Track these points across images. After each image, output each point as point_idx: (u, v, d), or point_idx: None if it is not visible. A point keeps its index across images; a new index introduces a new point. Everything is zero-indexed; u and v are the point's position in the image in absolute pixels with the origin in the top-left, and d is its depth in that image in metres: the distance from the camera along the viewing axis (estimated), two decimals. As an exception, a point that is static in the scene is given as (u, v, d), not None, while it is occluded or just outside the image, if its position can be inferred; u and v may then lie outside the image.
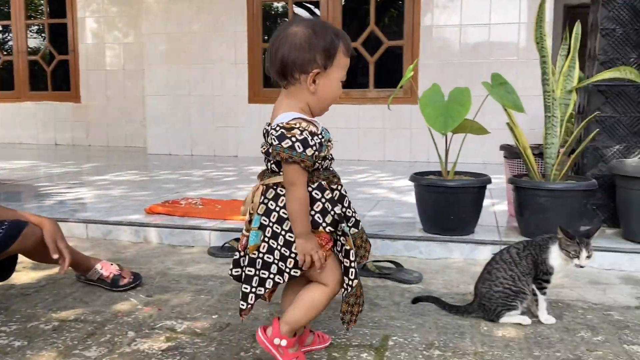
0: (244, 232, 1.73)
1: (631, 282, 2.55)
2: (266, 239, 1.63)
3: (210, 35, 7.04)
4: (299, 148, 1.52)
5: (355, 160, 6.60)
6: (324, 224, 1.62)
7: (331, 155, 1.66)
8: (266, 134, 1.63)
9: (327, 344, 1.91)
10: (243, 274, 1.70)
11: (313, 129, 1.57)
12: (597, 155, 3.14)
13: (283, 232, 1.62)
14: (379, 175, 5.26)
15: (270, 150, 1.59)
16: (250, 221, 1.68)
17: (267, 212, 1.64)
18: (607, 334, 2.01)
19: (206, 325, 2.11)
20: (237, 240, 2.98)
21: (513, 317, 2.06)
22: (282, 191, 1.62)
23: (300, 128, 1.54)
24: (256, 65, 6.97)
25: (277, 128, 1.55)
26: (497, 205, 3.76)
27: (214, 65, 7.06)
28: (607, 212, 3.12)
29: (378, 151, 6.59)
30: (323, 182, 1.63)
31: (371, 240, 2.97)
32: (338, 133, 6.51)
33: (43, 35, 8.73)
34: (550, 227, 2.65)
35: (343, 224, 1.65)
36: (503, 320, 2.05)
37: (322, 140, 1.59)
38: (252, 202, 1.68)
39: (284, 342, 1.70)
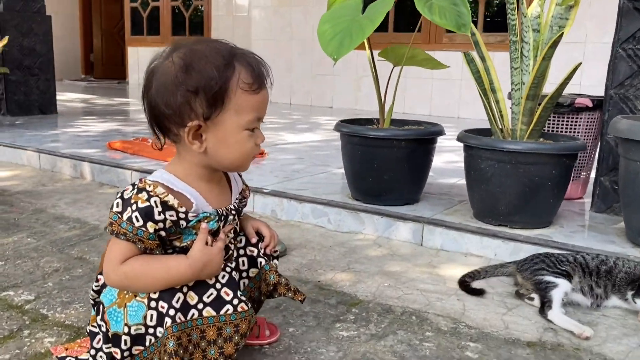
0: None
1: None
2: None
3: (310, -26, 6.54)
4: (137, 220, 1.05)
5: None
6: None
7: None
8: None
9: None
10: None
11: (171, 199, 1.07)
12: (625, 108, 2.06)
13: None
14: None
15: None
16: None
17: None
18: None
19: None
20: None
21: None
22: None
23: (152, 193, 1.06)
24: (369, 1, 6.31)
25: (127, 191, 1.08)
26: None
27: (314, 7, 6.56)
28: (630, 196, 2.05)
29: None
30: None
31: (277, 200, 2.37)
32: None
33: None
34: (496, 206, 1.80)
35: None
36: None
37: (187, 223, 1.10)
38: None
39: None
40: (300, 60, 6.79)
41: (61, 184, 2.91)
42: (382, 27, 6.26)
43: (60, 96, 6.49)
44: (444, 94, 5.88)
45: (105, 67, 11.02)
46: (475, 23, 5.79)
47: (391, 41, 6.04)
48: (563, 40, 1.81)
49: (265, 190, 2.36)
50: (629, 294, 1.51)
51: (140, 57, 9.30)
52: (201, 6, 8.78)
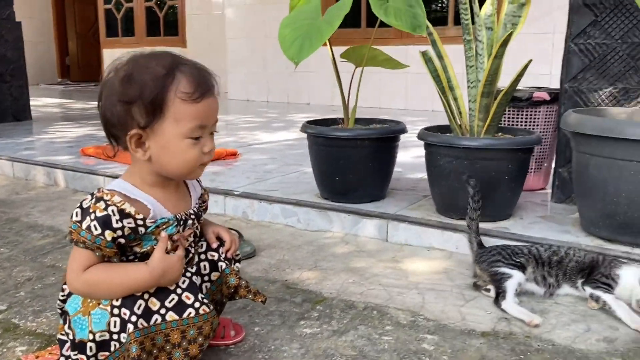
0: None
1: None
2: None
3: (284, -28, 6.56)
4: (96, 229, 1.09)
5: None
6: None
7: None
8: None
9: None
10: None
11: (128, 207, 1.12)
12: (579, 101, 2.13)
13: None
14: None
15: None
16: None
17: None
18: None
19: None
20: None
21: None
22: None
23: (109, 202, 1.11)
24: (330, 2, 6.35)
25: (86, 200, 1.13)
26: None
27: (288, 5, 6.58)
28: (586, 186, 2.12)
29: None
30: None
31: (247, 201, 2.42)
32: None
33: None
34: (456, 200, 1.86)
35: None
36: None
37: (145, 230, 1.14)
38: None
39: None
40: (275, 57, 6.81)
41: (35, 192, 2.92)
42: (355, 24, 6.32)
43: (36, 102, 6.47)
44: (418, 88, 5.94)
45: (82, 70, 10.96)
46: (446, 17, 5.86)
47: (364, 37, 6.11)
48: (532, 31, 1.88)
49: (235, 193, 2.41)
50: (579, 282, 1.58)
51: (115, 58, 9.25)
52: (175, 5, 8.76)
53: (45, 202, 2.73)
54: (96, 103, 1.18)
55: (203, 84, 1.12)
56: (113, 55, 9.22)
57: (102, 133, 1.20)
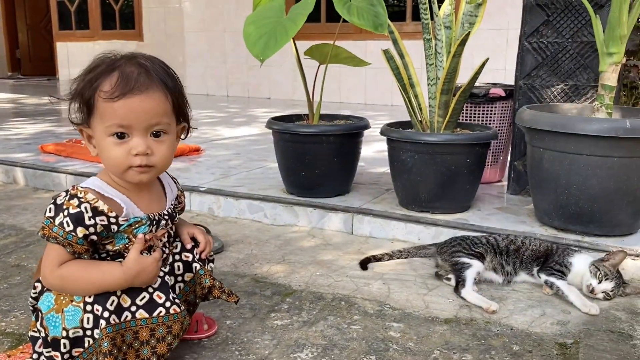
0: None
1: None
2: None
3: (243, -35, 6.54)
4: (68, 225, 1.12)
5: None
6: None
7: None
8: None
9: None
10: None
11: (101, 205, 1.14)
12: (533, 97, 2.23)
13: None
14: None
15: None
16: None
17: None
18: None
19: None
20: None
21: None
22: None
23: (83, 199, 1.13)
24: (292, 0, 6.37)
25: (60, 197, 1.15)
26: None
27: (246, -1, 6.58)
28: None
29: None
30: None
31: (213, 198, 2.45)
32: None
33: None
34: (418, 193, 1.93)
35: None
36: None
37: (118, 228, 1.17)
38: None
39: None
40: (235, 51, 6.80)
41: (-8, 190, 2.87)
42: (315, 18, 6.35)
43: (-13, 97, 6.28)
44: (377, 83, 6.03)
45: (33, 64, 10.65)
46: (404, 12, 5.95)
47: (324, 32, 6.15)
48: (487, 27, 1.95)
49: (201, 189, 2.42)
50: (535, 269, 1.68)
51: (69, 52, 9.05)
52: (132, -2, 8.61)
53: (4, 200, 2.68)
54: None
55: (126, 84, 1.10)
56: (67, 48, 9.04)
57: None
